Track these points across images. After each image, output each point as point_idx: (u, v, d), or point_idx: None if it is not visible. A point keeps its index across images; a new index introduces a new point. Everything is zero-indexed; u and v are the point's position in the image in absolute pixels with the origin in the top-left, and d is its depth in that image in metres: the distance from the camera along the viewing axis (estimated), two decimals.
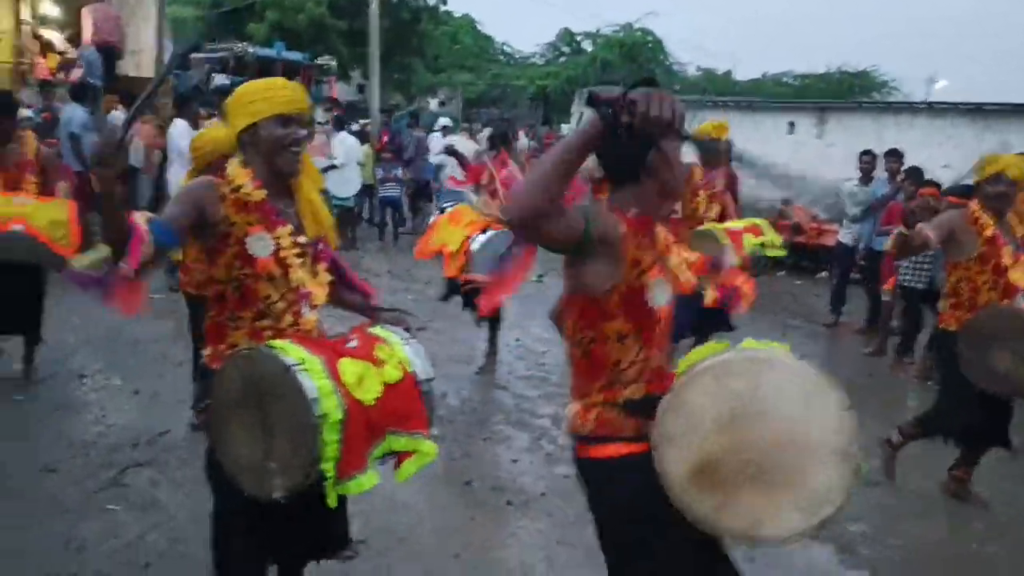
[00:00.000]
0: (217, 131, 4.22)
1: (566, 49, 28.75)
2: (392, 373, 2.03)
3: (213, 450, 2.08)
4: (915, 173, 6.99)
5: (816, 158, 11.40)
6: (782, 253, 5.46)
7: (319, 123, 10.64)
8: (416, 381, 2.09)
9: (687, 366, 1.92)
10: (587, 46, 28.07)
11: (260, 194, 2.13)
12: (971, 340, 3.70)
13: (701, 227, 5.20)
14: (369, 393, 1.94)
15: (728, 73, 29.10)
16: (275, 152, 2.12)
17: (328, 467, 1.86)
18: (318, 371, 1.88)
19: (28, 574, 2.87)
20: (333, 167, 9.63)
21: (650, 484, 1.83)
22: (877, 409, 5.58)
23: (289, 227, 2.16)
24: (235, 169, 2.15)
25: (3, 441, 3.93)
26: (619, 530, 1.95)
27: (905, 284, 6.41)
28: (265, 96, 2.11)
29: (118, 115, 8.67)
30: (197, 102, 7.49)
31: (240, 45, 13.52)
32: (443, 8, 24.37)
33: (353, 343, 2.08)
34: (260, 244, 2.10)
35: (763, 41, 56.96)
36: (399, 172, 10.90)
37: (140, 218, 1.91)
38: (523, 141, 20.65)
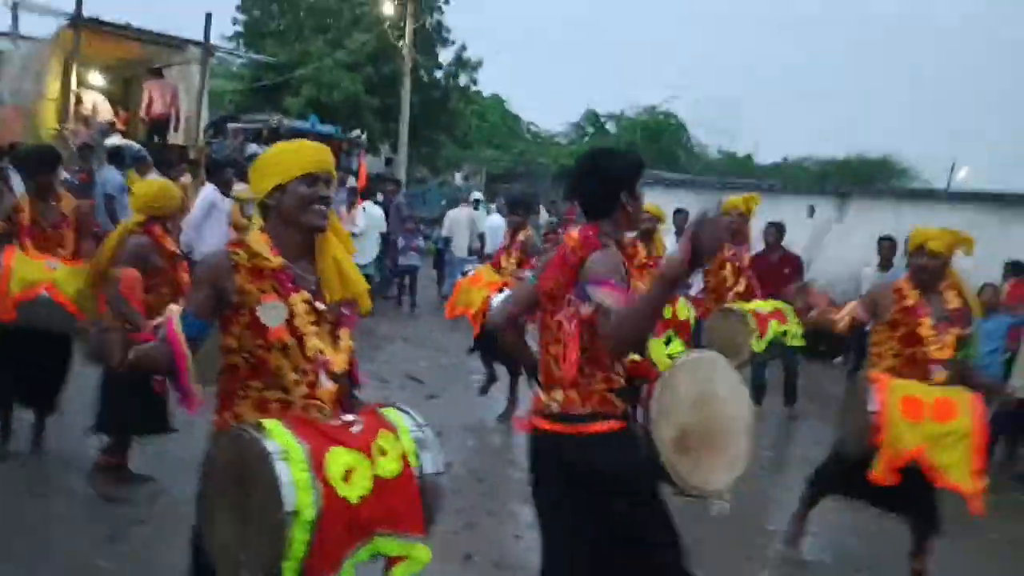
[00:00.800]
0: (151, 183, 4.72)
1: (591, 129, 29.43)
2: (389, 467, 1.92)
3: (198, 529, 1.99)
4: None
5: (836, 242, 11.42)
6: (801, 343, 5.54)
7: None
8: (418, 476, 1.97)
9: (667, 362, 2.52)
10: (611, 127, 28.73)
11: (277, 261, 2.08)
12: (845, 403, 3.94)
13: (729, 304, 5.26)
14: (355, 490, 1.83)
15: (749, 156, 29.54)
16: (301, 210, 2.08)
17: (288, 568, 1.73)
18: (299, 461, 1.77)
19: None
20: (353, 235, 9.84)
21: (638, 452, 2.42)
22: None
23: (304, 294, 2.09)
24: (255, 236, 2.12)
25: (9, 499, 3.94)
26: (622, 485, 2.42)
27: None
28: (291, 156, 2.11)
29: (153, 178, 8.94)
30: (231, 170, 7.69)
31: (275, 117, 14.03)
32: (473, 88, 25.14)
33: (357, 427, 1.97)
34: (272, 313, 2.04)
35: (785, 122, 57.79)
36: (420, 242, 11.11)
37: (175, 320, 2.03)
38: (543, 216, 20.95)
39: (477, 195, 13.12)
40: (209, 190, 7.16)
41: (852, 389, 3.87)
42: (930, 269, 3.66)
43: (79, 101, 11.51)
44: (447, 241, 11.26)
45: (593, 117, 29.32)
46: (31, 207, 4.35)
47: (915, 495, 3.61)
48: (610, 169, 2.54)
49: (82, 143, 10.56)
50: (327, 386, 2.11)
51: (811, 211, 12.09)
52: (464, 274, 6.85)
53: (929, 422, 3.40)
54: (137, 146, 11.03)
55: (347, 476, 1.83)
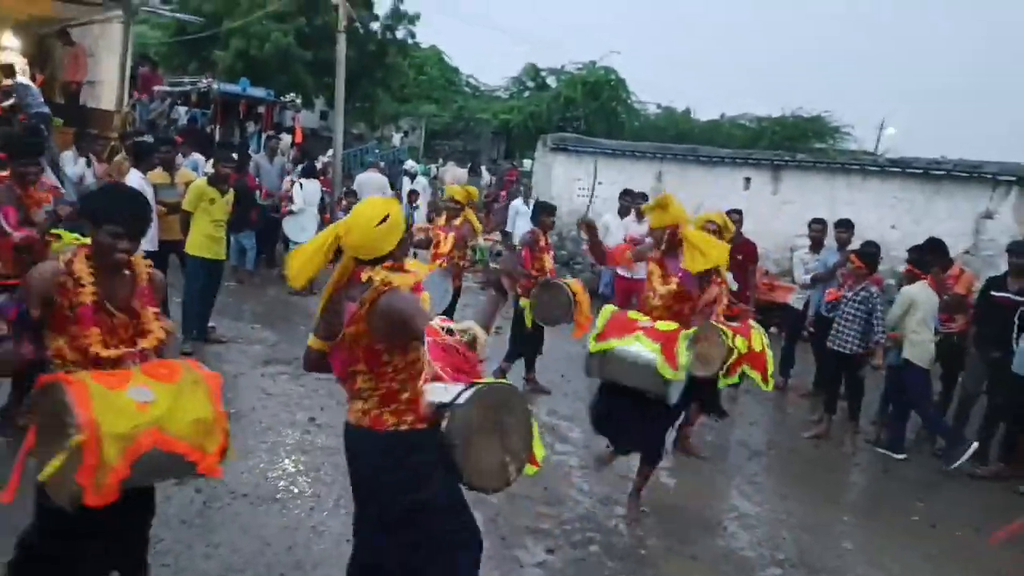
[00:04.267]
0: None
1: (531, 84, 29.08)
2: None
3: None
4: (871, 247, 7.17)
5: (770, 213, 11.71)
6: (769, 388, 5.39)
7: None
8: None
9: None
10: (551, 82, 28.43)
11: None
12: None
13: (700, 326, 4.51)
14: None
15: (687, 112, 29.70)
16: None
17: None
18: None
19: None
20: (291, 212, 9.69)
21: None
22: (820, 482, 5.73)
23: None
24: None
25: None
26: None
27: (835, 348, 6.53)
28: None
29: (69, 155, 8.53)
30: (156, 153, 7.35)
31: (205, 80, 13.46)
32: (411, 41, 24.47)
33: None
34: None
35: (721, 82, 58.13)
36: None
37: None
38: (485, 177, 20.85)
39: (410, 166, 13.18)
40: (135, 179, 6.79)
41: None
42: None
43: None
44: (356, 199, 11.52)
45: (533, 71, 28.92)
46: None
47: None
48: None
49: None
50: None
51: (747, 183, 12.32)
52: None
53: None
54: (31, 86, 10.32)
55: None
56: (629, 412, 4.44)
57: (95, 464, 2.40)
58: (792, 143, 22.97)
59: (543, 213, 7.07)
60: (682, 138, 22.01)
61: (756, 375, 5.25)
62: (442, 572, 2.74)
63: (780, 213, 11.66)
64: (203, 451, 2.67)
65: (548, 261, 6.92)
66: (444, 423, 2.48)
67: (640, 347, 4.27)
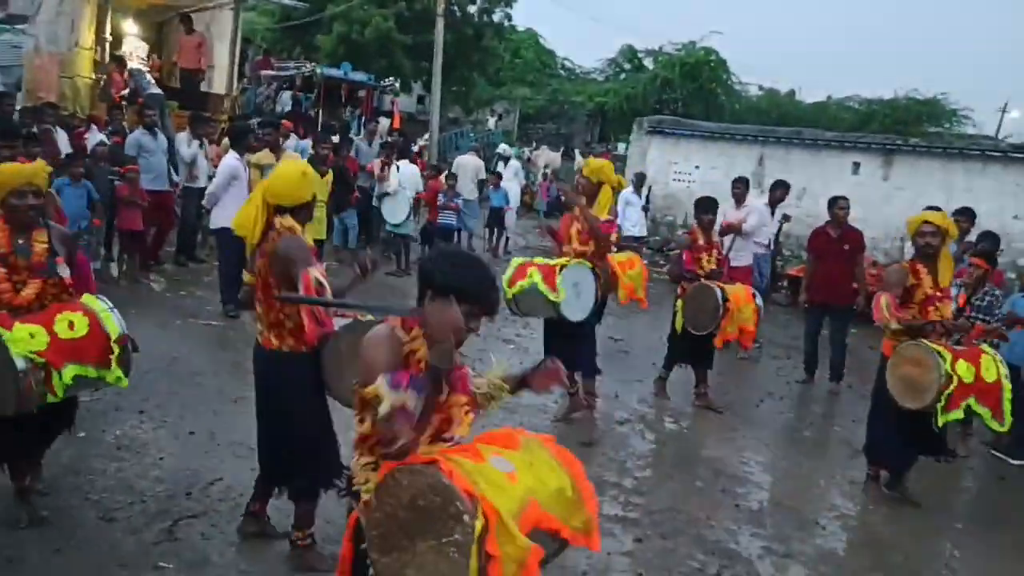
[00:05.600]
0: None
1: (627, 66, 28.60)
2: None
3: None
4: (989, 238, 6.74)
5: (881, 200, 11.15)
6: (1003, 429, 4.66)
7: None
8: None
9: None
10: (648, 64, 27.87)
11: None
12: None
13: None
14: None
15: (791, 93, 28.56)
16: None
17: None
18: None
19: None
20: (386, 194, 9.87)
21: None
22: (929, 485, 5.41)
23: None
24: None
25: (67, 481, 4.06)
26: None
27: None
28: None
29: (183, 136, 8.93)
30: (252, 135, 7.60)
31: (308, 65, 13.89)
32: (507, 23, 24.47)
33: None
34: None
35: (828, 62, 55.46)
36: (460, 201, 11.03)
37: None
38: (579, 161, 20.71)
39: (503, 149, 13.39)
40: (231, 159, 7.04)
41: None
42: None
43: (113, 54, 11.40)
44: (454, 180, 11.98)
45: (630, 53, 28.43)
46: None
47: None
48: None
49: (116, 99, 10.50)
50: None
51: (856, 168, 11.75)
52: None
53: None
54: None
55: None
56: (558, 341, 5.40)
57: (500, 553, 1.97)
58: (905, 127, 21.77)
59: (700, 211, 6.47)
60: (785, 121, 21.19)
61: (984, 411, 4.45)
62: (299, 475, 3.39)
63: (891, 200, 11.09)
64: (568, 525, 2.23)
65: (707, 261, 6.39)
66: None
67: (532, 281, 5.27)
